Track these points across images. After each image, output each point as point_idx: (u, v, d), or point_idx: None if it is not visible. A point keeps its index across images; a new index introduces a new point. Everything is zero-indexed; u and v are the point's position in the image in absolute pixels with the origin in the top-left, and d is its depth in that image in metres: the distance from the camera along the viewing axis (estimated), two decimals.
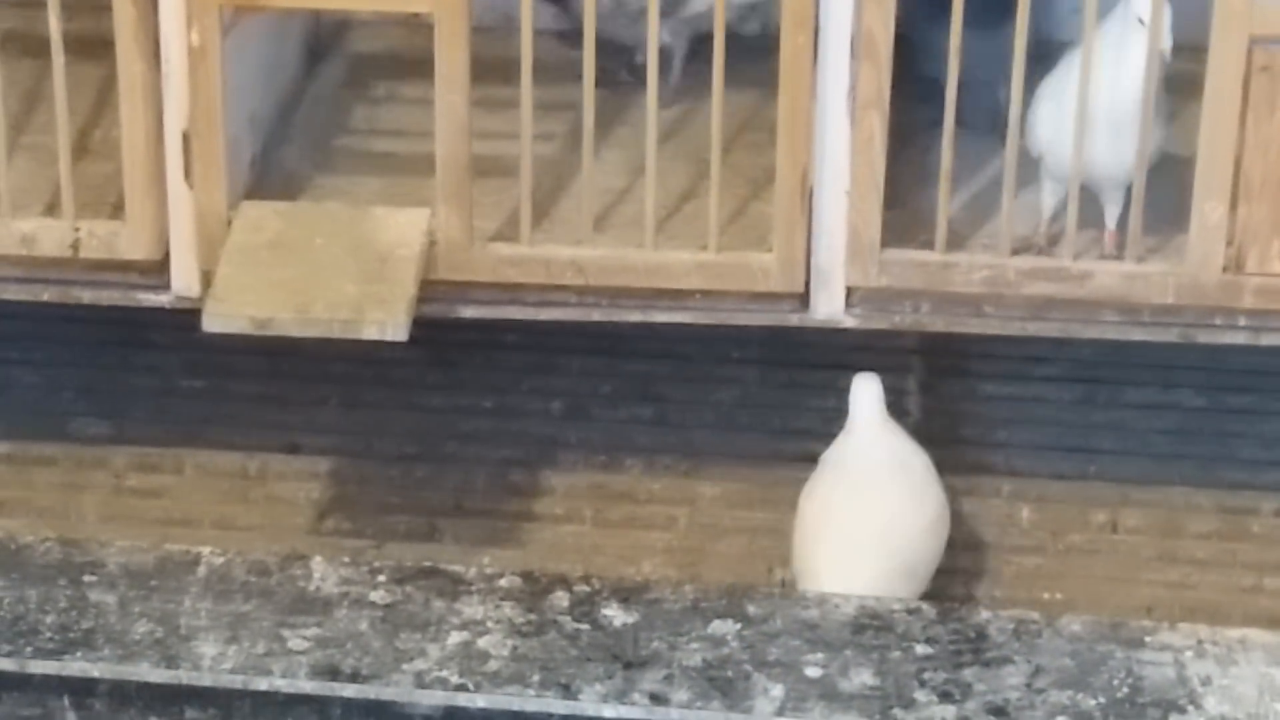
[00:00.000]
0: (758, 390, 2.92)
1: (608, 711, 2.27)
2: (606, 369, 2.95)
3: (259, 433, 2.83)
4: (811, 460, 2.76)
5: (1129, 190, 2.53)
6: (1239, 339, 2.57)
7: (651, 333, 2.72)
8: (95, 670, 2.33)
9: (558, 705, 2.27)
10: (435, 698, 2.29)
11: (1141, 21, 2.47)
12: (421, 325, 2.54)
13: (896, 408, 2.86)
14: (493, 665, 2.31)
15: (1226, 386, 2.89)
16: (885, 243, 2.58)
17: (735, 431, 2.86)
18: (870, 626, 2.34)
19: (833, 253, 2.58)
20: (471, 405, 2.90)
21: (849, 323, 2.61)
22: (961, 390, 2.92)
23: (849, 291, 2.60)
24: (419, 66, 2.84)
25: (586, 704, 2.27)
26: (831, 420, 2.86)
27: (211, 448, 2.81)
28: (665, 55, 2.71)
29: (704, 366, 2.95)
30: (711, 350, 2.94)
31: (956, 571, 2.62)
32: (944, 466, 2.75)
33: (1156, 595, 2.59)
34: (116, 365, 2.93)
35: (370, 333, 2.50)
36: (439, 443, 2.84)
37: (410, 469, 2.80)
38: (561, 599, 2.41)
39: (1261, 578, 2.61)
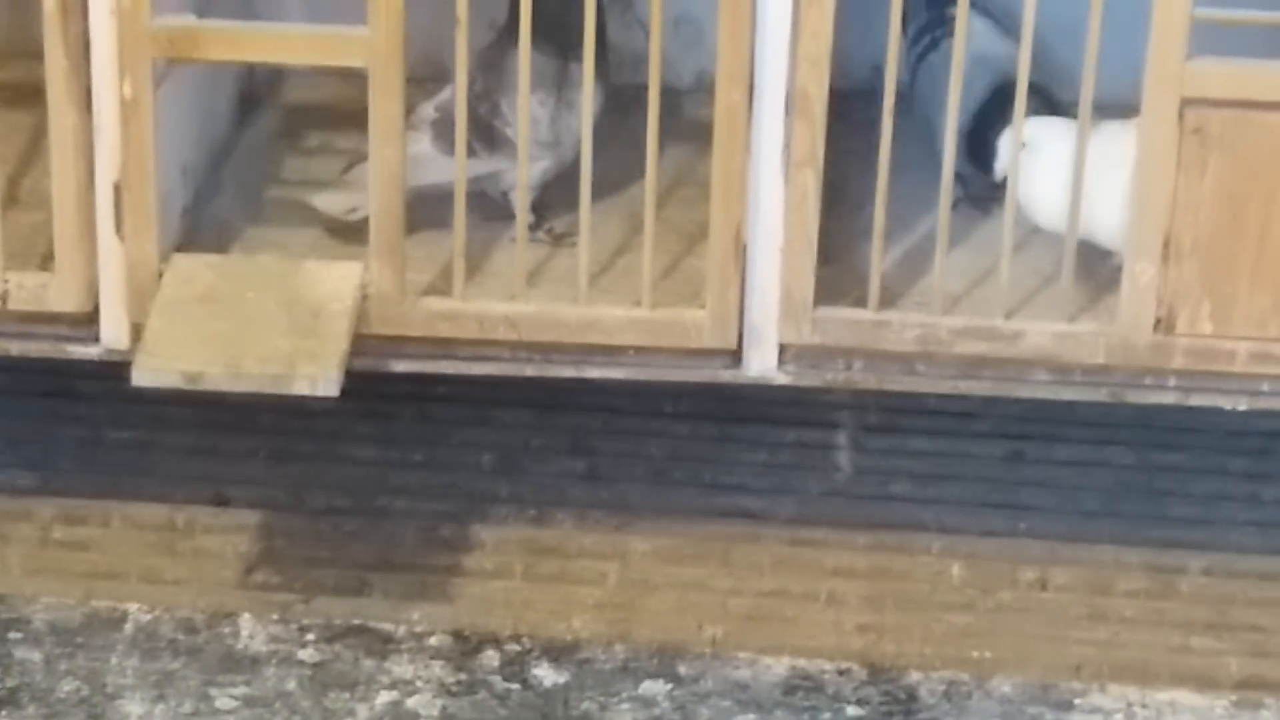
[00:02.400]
0: (689, 444, 2.92)
1: None
2: (538, 422, 2.94)
3: (187, 485, 2.82)
4: (745, 516, 2.76)
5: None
6: (1168, 399, 2.58)
7: (583, 386, 2.71)
8: None
9: None
10: None
11: (1024, 145, 2.50)
12: (352, 377, 2.53)
13: (827, 463, 2.88)
14: None
15: (1156, 445, 2.91)
16: (820, 300, 2.58)
17: (667, 486, 2.86)
18: (801, 687, 2.34)
19: (766, 310, 2.58)
20: (402, 458, 2.89)
21: (782, 380, 2.61)
22: (892, 446, 2.92)
23: (782, 348, 2.60)
24: (351, 118, 2.84)
25: None
26: (763, 475, 2.87)
27: (139, 499, 2.79)
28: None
29: (636, 420, 2.95)
30: (643, 404, 2.94)
31: (886, 629, 2.62)
32: (874, 523, 2.76)
33: (1085, 654, 2.60)
34: (43, 416, 2.91)
35: (302, 388, 2.49)
36: (369, 496, 2.83)
37: (340, 522, 2.79)
38: (492, 658, 2.40)
39: (1189, 637, 2.62)
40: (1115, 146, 2.53)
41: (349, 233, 2.67)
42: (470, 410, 2.95)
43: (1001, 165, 2.57)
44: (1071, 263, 2.54)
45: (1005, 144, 2.58)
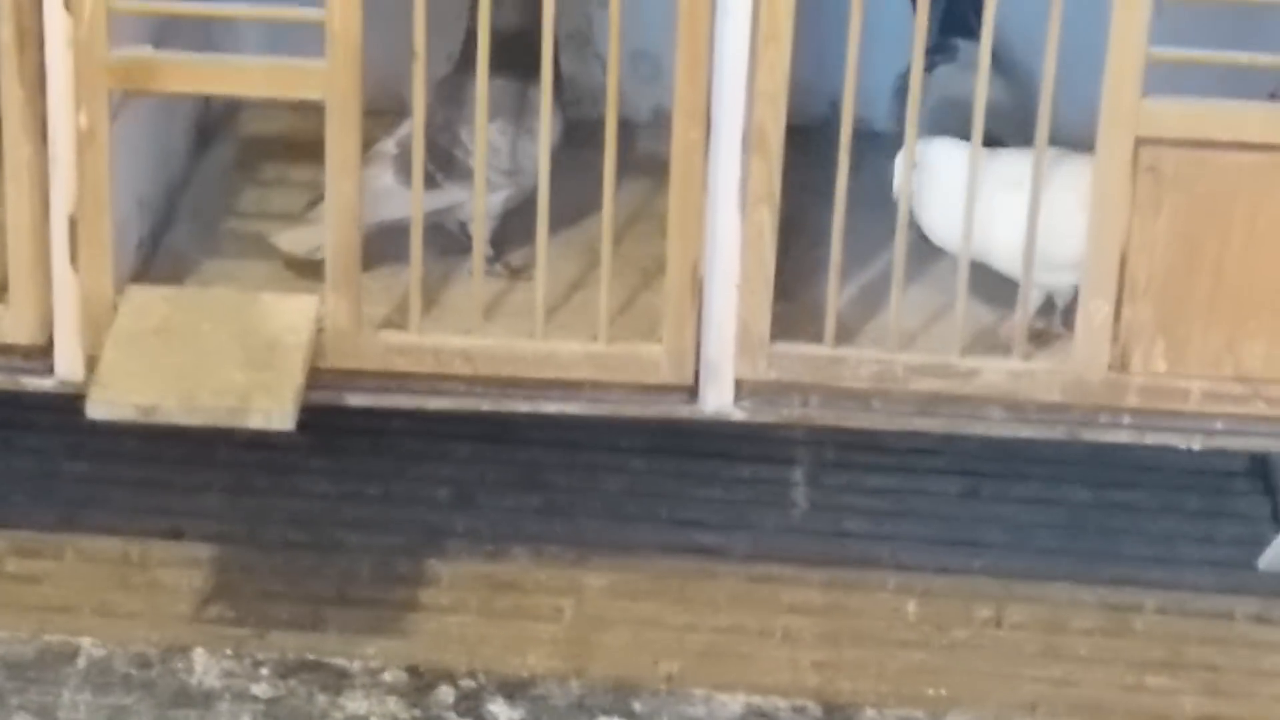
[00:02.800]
0: (646, 480, 2.92)
1: None
2: (494, 456, 2.94)
3: (141, 518, 2.80)
4: (701, 551, 2.76)
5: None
6: (1123, 437, 2.59)
7: (540, 420, 2.71)
8: None
9: None
10: None
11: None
12: (307, 411, 2.53)
13: (783, 499, 2.88)
14: None
15: (1111, 483, 2.91)
16: (776, 335, 2.58)
17: (623, 521, 2.85)
18: None
19: (722, 345, 2.59)
20: (357, 492, 2.88)
21: (738, 416, 2.61)
22: (848, 482, 2.92)
23: (738, 384, 2.60)
24: (308, 150, 2.83)
25: None
26: (719, 511, 2.87)
27: (92, 532, 2.77)
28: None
29: (592, 455, 2.94)
30: (599, 439, 2.94)
31: (842, 666, 2.62)
32: (830, 559, 2.76)
33: (1040, 692, 2.60)
34: None
35: (256, 421, 2.48)
36: (324, 530, 2.82)
37: (294, 556, 2.78)
38: (447, 694, 2.40)
39: (1143, 675, 2.63)
40: (1014, 169, 2.54)
41: (306, 268, 2.66)
42: (426, 444, 2.94)
43: (895, 185, 2.58)
44: (1027, 300, 2.55)
45: (899, 164, 2.59)
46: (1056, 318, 2.64)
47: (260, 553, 2.77)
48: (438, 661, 2.55)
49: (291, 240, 2.71)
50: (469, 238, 2.65)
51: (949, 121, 2.76)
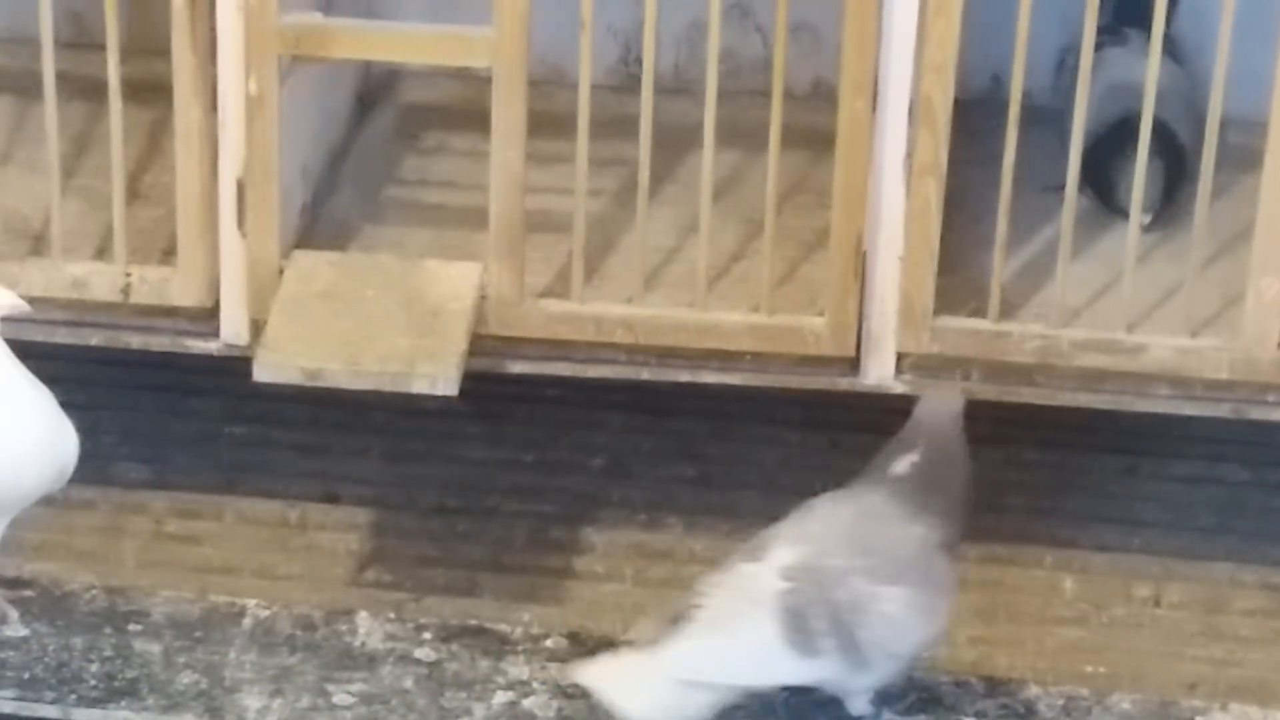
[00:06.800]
0: (799, 453, 2.91)
1: None
2: (648, 426, 2.94)
3: (299, 482, 2.82)
4: None
5: None
6: None
7: (694, 391, 2.71)
8: None
9: None
10: None
11: None
12: (465, 377, 2.53)
13: None
14: None
15: (1273, 462, 2.88)
16: (938, 309, 2.57)
17: (777, 494, 2.84)
18: (917, 700, 2.33)
19: (885, 318, 2.58)
20: (512, 459, 2.89)
21: (899, 389, 2.60)
22: (1004, 457, 2.90)
23: (900, 357, 2.60)
24: (469, 118, 2.85)
25: None
26: None
27: (252, 495, 2.80)
28: None
29: (746, 427, 2.94)
30: (753, 411, 2.93)
31: (998, 641, 2.61)
32: (986, 534, 2.74)
33: (1200, 672, 2.58)
34: (159, 410, 2.92)
35: (421, 386, 2.49)
36: (479, 496, 2.83)
37: (450, 522, 2.79)
38: None
39: None
40: None
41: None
42: (580, 413, 2.95)
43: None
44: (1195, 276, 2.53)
45: None
46: None
47: (416, 518, 2.79)
48: (594, 629, 2.55)
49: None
50: None
51: (1115, 103, 2.74)
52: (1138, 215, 2.55)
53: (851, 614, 2.20)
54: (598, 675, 2.24)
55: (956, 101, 2.55)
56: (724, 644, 2.20)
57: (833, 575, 2.23)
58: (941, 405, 2.38)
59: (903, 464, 2.33)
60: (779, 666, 2.21)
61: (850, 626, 2.20)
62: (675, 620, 2.24)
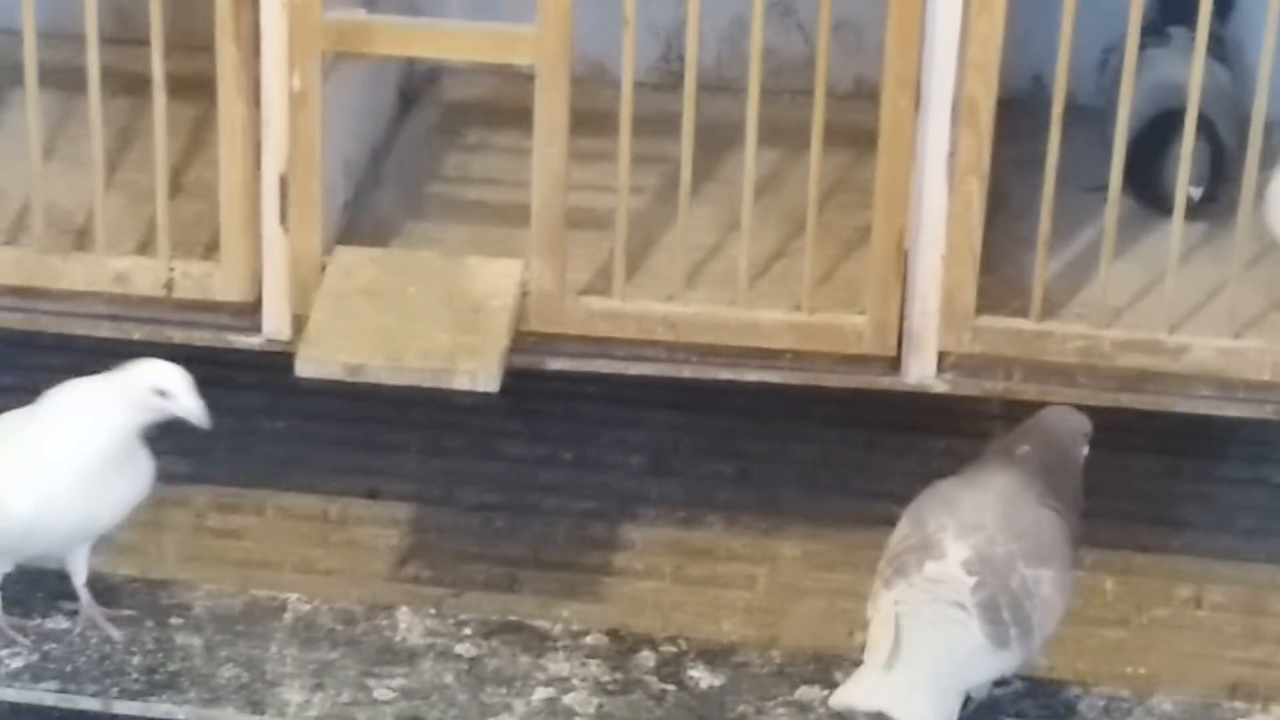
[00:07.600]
0: (839, 451, 2.91)
1: None
2: (687, 424, 2.94)
3: (340, 477, 2.83)
4: (894, 524, 2.74)
5: None
6: None
7: (733, 389, 2.71)
8: (180, 713, 2.33)
9: None
10: None
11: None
12: (506, 374, 2.54)
13: None
14: None
15: None
16: (980, 309, 2.57)
17: (817, 492, 2.85)
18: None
19: (926, 317, 2.57)
20: (552, 456, 2.90)
21: (940, 388, 2.60)
22: None
23: (941, 356, 2.59)
24: (510, 115, 2.85)
25: None
26: (912, 483, 2.85)
27: (292, 490, 2.81)
28: None
29: (785, 425, 2.94)
30: (793, 409, 2.93)
31: None
32: None
33: (1241, 673, 2.57)
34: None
35: (462, 382, 2.50)
36: (519, 493, 2.83)
37: (490, 518, 2.80)
38: (648, 658, 2.40)
39: None
40: None
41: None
42: (620, 410, 2.95)
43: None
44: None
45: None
46: None
47: (456, 514, 2.79)
48: (633, 626, 2.56)
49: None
50: None
51: (1156, 102, 2.73)
52: (1180, 217, 2.54)
53: (1026, 599, 2.21)
54: (862, 696, 2.20)
55: (997, 101, 2.55)
56: (941, 647, 2.19)
57: (1005, 563, 2.23)
58: (1066, 419, 2.39)
59: (1023, 449, 2.33)
60: (985, 662, 2.22)
61: (1027, 612, 2.21)
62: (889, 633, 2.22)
